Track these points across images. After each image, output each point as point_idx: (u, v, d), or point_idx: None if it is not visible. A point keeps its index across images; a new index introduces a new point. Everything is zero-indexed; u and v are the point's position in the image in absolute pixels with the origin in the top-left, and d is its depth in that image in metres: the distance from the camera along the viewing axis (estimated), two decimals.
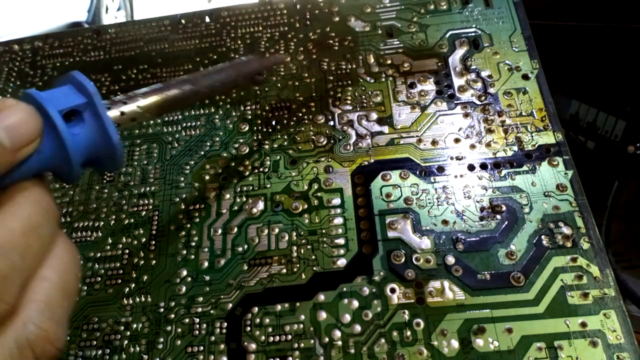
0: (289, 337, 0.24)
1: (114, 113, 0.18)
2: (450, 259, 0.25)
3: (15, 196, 0.15)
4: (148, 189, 0.30)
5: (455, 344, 0.23)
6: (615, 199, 0.38)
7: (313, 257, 0.26)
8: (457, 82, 0.31)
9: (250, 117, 0.32)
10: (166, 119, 0.32)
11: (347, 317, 0.25)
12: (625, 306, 0.24)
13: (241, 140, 0.31)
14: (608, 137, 0.41)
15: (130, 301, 0.26)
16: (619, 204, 0.38)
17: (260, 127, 0.31)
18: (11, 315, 0.14)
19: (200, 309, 0.26)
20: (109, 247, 0.28)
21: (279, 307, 0.25)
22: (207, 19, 0.37)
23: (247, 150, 0.30)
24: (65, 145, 0.16)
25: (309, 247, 0.27)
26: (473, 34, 0.32)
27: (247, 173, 0.29)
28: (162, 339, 0.25)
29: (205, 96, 0.25)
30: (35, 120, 0.15)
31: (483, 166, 0.28)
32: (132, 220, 0.29)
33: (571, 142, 0.45)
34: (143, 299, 0.26)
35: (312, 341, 0.24)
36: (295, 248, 0.27)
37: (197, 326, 0.25)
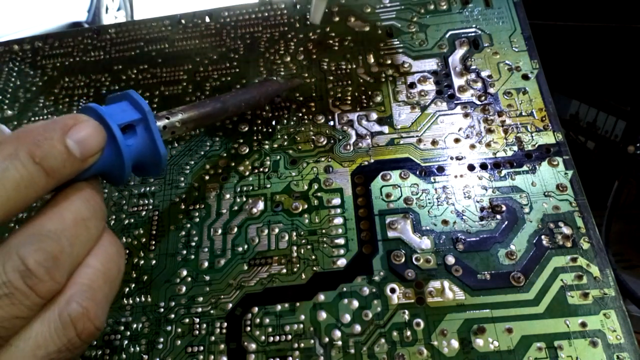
0: (289, 337, 0.24)
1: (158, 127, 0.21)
2: (450, 259, 0.25)
3: (70, 193, 0.17)
4: (148, 189, 0.30)
5: (455, 344, 0.23)
6: (615, 199, 0.38)
7: (313, 257, 0.26)
8: (457, 82, 0.31)
9: (250, 117, 0.32)
10: None
11: (347, 317, 0.25)
12: (625, 306, 0.24)
13: (241, 141, 0.31)
14: (608, 137, 0.42)
15: (130, 301, 0.26)
16: (619, 204, 0.38)
17: (260, 127, 0.31)
18: (58, 294, 0.16)
19: (200, 309, 0.26)
20: None
21: (279, 307, 0.25)
22: (207, 19, 0.37)
23: (247, 150, 0.30)
24: (121, 154, 0.19)
25: (309, 247, 0.27)
26: (473, 34, 0.32)
27: (247, 173, 0.30)
28: (162, 339, 0.25)
29: (232, 114, 0.28)
30: (101, 135, 0.18)
31: (483, 166, 0.28)
32: (132, 220, 0.29)
33: (571, 142, 0.45)
34: (143, 299, 0.26)
35: (312, 341, 0.24)
36: (295, 248, 0.27)
37: (197, 326, 0.25)
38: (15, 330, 0.15)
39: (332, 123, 0.31)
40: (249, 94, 0.28)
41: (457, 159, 0.28)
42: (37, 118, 0.34)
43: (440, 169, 0.28)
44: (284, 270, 0.26)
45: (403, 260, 0.26)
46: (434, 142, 0.29)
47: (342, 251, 0.26)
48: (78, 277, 0.17)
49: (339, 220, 0.27)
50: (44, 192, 0.16)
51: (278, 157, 0.30)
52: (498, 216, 0.26)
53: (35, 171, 0.16)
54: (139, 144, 0.20)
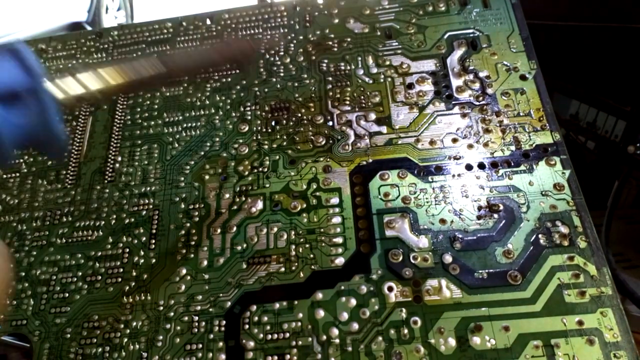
0: (287, 335, 0.25)
1: (59, 93, 0.16)
2: (448, 258, 0.25)
3: None
4: (148, 188, 0.30)
5: (452, 342, 0.23)
6: (615, 199, 0.38)
7: (311, 255, 0.27)
8: (455, 82, 0.31)
9: (249, 117, 0.32)
10: (166, 119, 0.33)
11: (345, 315, 0.25)
12: (625, 306, 0.24)
13: (241, 141, 0.31)
14: (608, 137, 0.41)
15: (130, 299, 0.27)
16: (619, 204, 0.38)
17: (259, 128, 0.31)
18: None
19: (199, 307, 0.26)
20: (109, 246, 0.29)
21: (277, 305, 0.25)
22: (208, 21, 0.37)
23: (247, 150, 0.31)
24: None
25: (307, 245, 0.27)
26: (471, 35, 0.33)
27: (247, 173, 0.30)
28: (161, 337, 0.25)
29: (179, 76, 0.23)
30: None
31: (481, 166, 0.28)
32: (133, 220, 0.29)
33: (571, 142, 0.45)
34: (143, 297, 0.27)
35: (310, 339, 0.24)
36: (293, 247, 0.27)
37: (196, 324, 0.26)
38: None
39: (330, 123, 0.31)
40: (205, 56, 0.23)
41: (455, 158, 0.28)
42: None
43: (438, 169, 0.28)
44: (283, 269, 0.26)
45: (401, 258, 0.26)
46: (432, 142, 0.29)
47: (340, 250, 0.26)
48: None
49: (337, 220, 0.27)
50: None
51: (277, 157, 0.30)
52: (495, 215, 0.26)
53: None
54: (26, 117, 0.15)
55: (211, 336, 0.25)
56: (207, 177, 0.30)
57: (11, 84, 0.15)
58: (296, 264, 0.26)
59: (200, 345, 0.25)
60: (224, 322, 0.25)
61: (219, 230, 0.28)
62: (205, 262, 0.27)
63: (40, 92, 0.15)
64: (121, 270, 0.28)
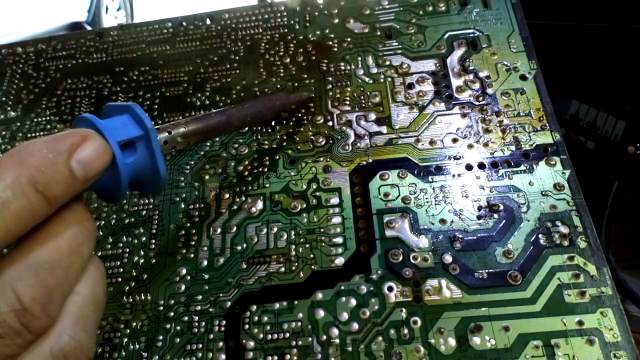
0: (287, 335, 0.25)
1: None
2: (448, 258, 0.25)
3: (65, 217, 0.16)
4: None
5: (452, 342, 0.23)
6: (615, 199, 0.38)
7: (311, 255, 0.27)
8: (455, 82, 0.31)
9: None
10: (166, 120, 0.33)
11: (345, 315, 0.25)
12: (626, 306, 0.24)
13: (241, 141, 0.31)
14: (608, 137, 0.42)
15: (130, 299, 0.27)
16: (619, 204, 0.38)
17: (259, 128, 0.31)
18: (49, 327, 0.15)
19: (199, 307, 0.26)
20: (109, 246, 0.29)
21: (277, 305, 0.25)
22: (208, 21, 0.37)
23: (247, 150, 0.31)
24: (119, 174, 0.18)
25: (307, 246, 0.27)
26: (471, 35, 0.33)
27: (247, 173, 0.30)
28: (161, 337, 0.25)
29: (237, 128, 0.27)
30: (107, 155, 0.17)
31: (481, 166, 0.28)
32: (133, 220, 0.29)
33: (571, 142, 0.45)
34: (143, 297, 0.27)
35: (310, 339, 0.24)
36: (293, 247, 0.27)
37: (196, 324, 0.26)
38: None
39: (330, 123, 0.31)
40: (255, 108, 0.27)
41: (455, 158, 0.28)
42: (39, 119, 0.35)
43: (438, 169, 0.28)
44: (283, 269, 0.26)
45: (401, 258, 0.26)
46: (432, 142, 0.29)
47: (340, 250, 0.26)
48: (68, 306, 0.16)
49: (337, 220, 0.27)
50: (42, 219, 0.15)
51: (277, 157, 0.30)
52: (495, 215, 0.26)
53: (36, 200, 0.15)
54: (138, 163, 0.19)
55: (211, 336, 0.25)
56: (207, 177, 0.30)
57: (127, 134, 0.18)
58: (296, 264, 0.26)
59: (200, 345, 0.25)
60: (224, 322, 0.25)
61: (219, 230, 0.28)
62: (205, 262, 0.27)
63: (150, 139, 0.19)
64: (121, 270, 0.28)
